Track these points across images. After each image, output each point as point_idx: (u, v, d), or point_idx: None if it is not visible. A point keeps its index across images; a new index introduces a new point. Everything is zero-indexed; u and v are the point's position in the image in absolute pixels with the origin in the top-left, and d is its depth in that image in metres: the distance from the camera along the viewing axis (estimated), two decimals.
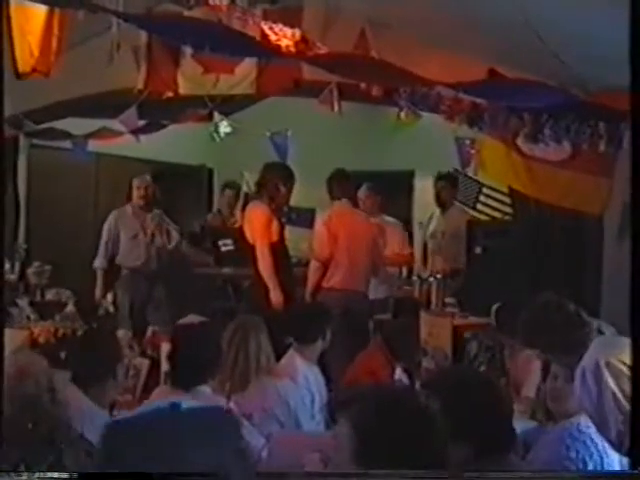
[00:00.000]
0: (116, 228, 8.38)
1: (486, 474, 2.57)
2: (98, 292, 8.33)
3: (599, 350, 3.23)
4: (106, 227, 8.43)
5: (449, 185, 8.62)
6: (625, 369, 3.09)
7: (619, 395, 3.09)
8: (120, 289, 8.28)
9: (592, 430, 3.33)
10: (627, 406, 3.06)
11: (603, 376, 3.10)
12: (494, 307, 5.60)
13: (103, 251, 8.40)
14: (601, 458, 3.41)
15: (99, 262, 8.39)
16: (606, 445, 3.29)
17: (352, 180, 7.71)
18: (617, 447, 3.17)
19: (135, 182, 8.49)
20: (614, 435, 3.13)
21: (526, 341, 3.95)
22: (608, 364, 3.12)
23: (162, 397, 4.25)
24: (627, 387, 3.08)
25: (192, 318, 5.40)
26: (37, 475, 2.90)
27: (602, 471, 3.26)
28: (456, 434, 2.63)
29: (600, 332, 3.50)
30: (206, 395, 4.34)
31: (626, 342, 3.20)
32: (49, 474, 2.92)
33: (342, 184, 7.55)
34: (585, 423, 3.37)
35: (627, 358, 3.12)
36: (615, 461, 3.34)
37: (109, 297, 8.28)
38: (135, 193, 8.44)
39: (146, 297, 8.22)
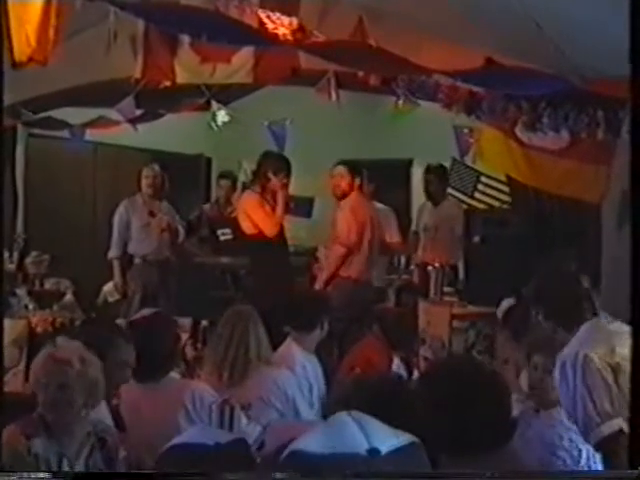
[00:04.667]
0: (127, 217, 8.29)
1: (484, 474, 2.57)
2: (118, 282, 8.25)
3: (582, 342, 3.23)
4: (117, 217, 8.31)
5: (437, 178, 8.51)
6: (604, 366, 3.11)
7: (594, 390, 3.10)
8: (132, 278, 8.22)
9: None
10: (603, 402, 3.08)
11: (581, 370, 3.11)
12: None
13: (117, 241, 8.27)
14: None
15: (114, 252, 8.26)
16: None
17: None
18: (587, 439, 3.19)
19: (144, 172, 8.42)
20: (583, 427, 3.15)
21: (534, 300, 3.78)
22: (587, 358, 3.12)
23: (130, 393, 4.14)
24: (602, 384, 3.09)
25: (145, 312, 5.26)
26: (38, 475, 2.89)
27: (601, 471, 3.25)
28: (454, 423, 2.64)
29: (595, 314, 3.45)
30: (175, 381, 4.33)
31: (613, 334, 3.21)
32: (44, 474, 2.90)
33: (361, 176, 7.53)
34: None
35: (609, 355, 3.13)
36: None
37: (109, 286, 8.26)
38: (143, 182, 8.37)
39: (157, 286, 8.17)
